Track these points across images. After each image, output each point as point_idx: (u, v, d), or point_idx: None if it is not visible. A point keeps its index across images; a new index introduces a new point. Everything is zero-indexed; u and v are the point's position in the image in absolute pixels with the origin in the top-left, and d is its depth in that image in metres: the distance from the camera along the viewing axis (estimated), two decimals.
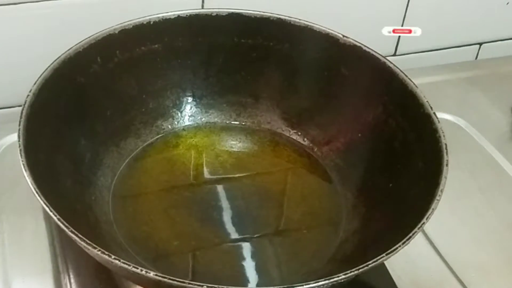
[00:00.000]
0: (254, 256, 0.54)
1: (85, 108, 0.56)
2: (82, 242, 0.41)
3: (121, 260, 0.40)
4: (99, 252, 0.41)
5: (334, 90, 0.62)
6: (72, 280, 0.53)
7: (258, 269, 0.53)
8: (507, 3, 0.84)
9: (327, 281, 0.41)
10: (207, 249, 0.55)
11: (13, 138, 0.58)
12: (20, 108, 0.49)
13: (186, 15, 0.59)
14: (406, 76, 0.56)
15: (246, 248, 0.55)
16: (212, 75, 0.63)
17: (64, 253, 0.54)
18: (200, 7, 0.68)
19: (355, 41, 0.59)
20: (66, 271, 0.53)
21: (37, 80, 0.51)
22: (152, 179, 0.59)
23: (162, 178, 0.60)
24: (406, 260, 0.56)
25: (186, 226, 0.56)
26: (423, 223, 0.44)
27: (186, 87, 0.63)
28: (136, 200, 0.58)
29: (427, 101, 0.53)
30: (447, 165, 0.48)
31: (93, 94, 0.57)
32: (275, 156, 0.63)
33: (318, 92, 0.63)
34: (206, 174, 0.61)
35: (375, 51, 0.58)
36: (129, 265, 0.40)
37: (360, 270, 0.41)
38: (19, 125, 0.48)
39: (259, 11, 0.60)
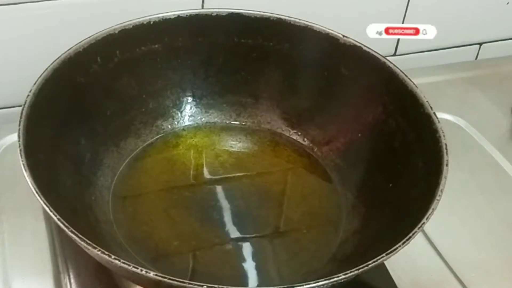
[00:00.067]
0: (254, 256, 0.54)
1: (85, 108, 0.56)
2: (82, 242, 0.41)
3: (121, 260, 0.40)
4: (99, 252, 0.41)
5: (334, 90, 0.62)
6: (72, 280, 0.53)
7: (258, 269, 0.53)
8: (507, 3, 0.84)
9: (327, 281, 0.41)
10: (207, 249, 0.55)
11: (13, 138, 0.58)
12: (20, 108, 0.49)
13: (186, 15, 0.59)
14: (406, 76, 0.56)
15: (246, 248, 0.55)
16: (212, 75, 0.63)
17: (64, 253, 0.54)
18: (200, 7, 0.68)
19: (355, 41, 0.59)
20: (66, 271, 0.53)
21: (37, 80, 0.51)
22: (152, 179, 0.59)
23: (162, 178, 0.60)
24: (406, 260, 0.56)
25: (186, 226, 0.56)
26: (423, 223, 0.44)
27: (186, 87, 0.63)
28: (136, 200, 0.58)
29: (427, 101, 0.53)
30: (447, 165, 0.48)
31: (93, 94, 0.57)
32: (275, 156, 0.63)
33: (318, 92, 0.63)
34: (206, 174, 0.61)
35: (375, 51, 0.58)
36: (129, 265, 0.40)
37: (360, 270, 0.42)
38: (19, 125, 0.48)
39: (259, 11, 0.60)
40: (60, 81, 0.52)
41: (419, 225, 0.44)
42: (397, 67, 0.56)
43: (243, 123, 0.65)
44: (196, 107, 0.64)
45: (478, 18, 0.84)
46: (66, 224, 0.42)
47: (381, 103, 0.57)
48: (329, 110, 0.62)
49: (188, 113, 0.64)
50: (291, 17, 0.60)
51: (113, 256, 0.40)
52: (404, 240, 0.43)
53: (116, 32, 0.57)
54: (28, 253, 0.55)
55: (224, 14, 0.60)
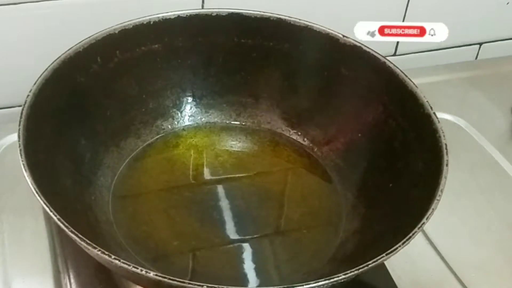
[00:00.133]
0: (254, 256, 0.54)
1: (85, 108, 0.56)
2: (82, 242, 0.41)
3: (121, 260, 0.40)
4: (99, 252, 0.41)
5: (334, 90, 0.62)
6: (72, 280, 0.53)
7: (258, 269, 0.53)
8: (507, 3, 0.84)
9: (327, 281, 0.41)
10: (207, 249, 0.55)
11: (13, 138, 0.58)
12: (20, 108, 0.49)
13: (186, 15, 0.59)
14: (406, 76, 0.56)
15: (246, 248, 0.55)
16: (212, 75, 0.63)
17: (64, 253, 0.54)
18: (200, 7, 0.68)
19: (355, 41, 0.59)
20: (66, 271, 0.53)
21: (37, 80, 0.51)
22: (152, 179, 0.59)
23: (162, 178, 0.60)
24: (406, 260, 0.56)
25: (186, 226, 0.56)
26: (423, 223, 0.44)
27: (186, 87, 0.63)
28: (136, 200, 0.58)
29: (427, 101, 0.53)
30: (447, 165, 0.48)
31: (93, 94, 0.57)
32: (275, 156, 0.63)
33: (318, 92, 0.63)
34: (206, 174, 0.61)
35: (375, 51, 0.58)
36: (129, 265, 0.40)
37: (360, 270, 0.42)
38: (19, 125, 0.48)
39: (259, 11, 0.60)
40: (60, 81, 0.52)
41: (419, 225, 0.44)
42: (397, 67, 0.56)
43: (243, 123, 0.65)
44: (196, 107, 0.64)
45: (478, 18, 0.84)
46: (66, 224, 0.42)
47: (381, 103, 0.57)
48: (329, 110, 0.62)
49: (188, 113, 0.64)
50: (291, 17, 0.60)
51: (113, 256, 0.40)
52: (404, 240, 0.43)
53: (116, 32, 0.57)
54: (28, 253, 0.55)
55: (224, 14, 0.60)
